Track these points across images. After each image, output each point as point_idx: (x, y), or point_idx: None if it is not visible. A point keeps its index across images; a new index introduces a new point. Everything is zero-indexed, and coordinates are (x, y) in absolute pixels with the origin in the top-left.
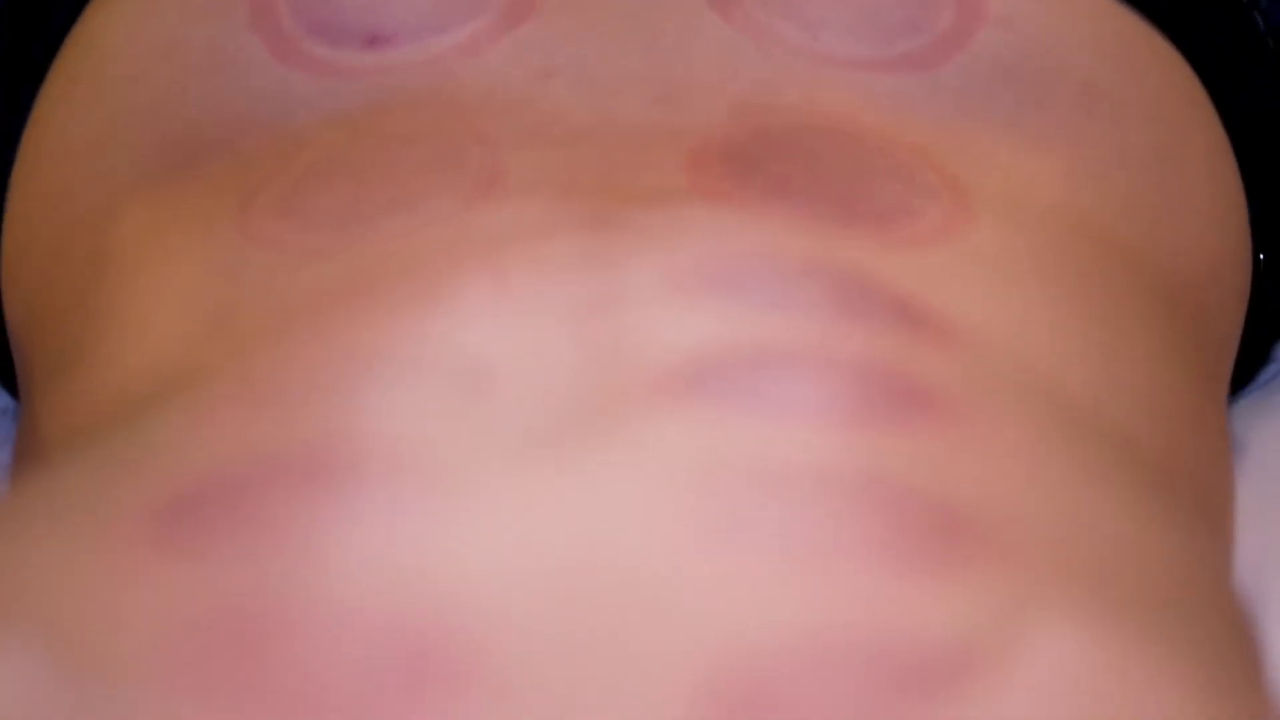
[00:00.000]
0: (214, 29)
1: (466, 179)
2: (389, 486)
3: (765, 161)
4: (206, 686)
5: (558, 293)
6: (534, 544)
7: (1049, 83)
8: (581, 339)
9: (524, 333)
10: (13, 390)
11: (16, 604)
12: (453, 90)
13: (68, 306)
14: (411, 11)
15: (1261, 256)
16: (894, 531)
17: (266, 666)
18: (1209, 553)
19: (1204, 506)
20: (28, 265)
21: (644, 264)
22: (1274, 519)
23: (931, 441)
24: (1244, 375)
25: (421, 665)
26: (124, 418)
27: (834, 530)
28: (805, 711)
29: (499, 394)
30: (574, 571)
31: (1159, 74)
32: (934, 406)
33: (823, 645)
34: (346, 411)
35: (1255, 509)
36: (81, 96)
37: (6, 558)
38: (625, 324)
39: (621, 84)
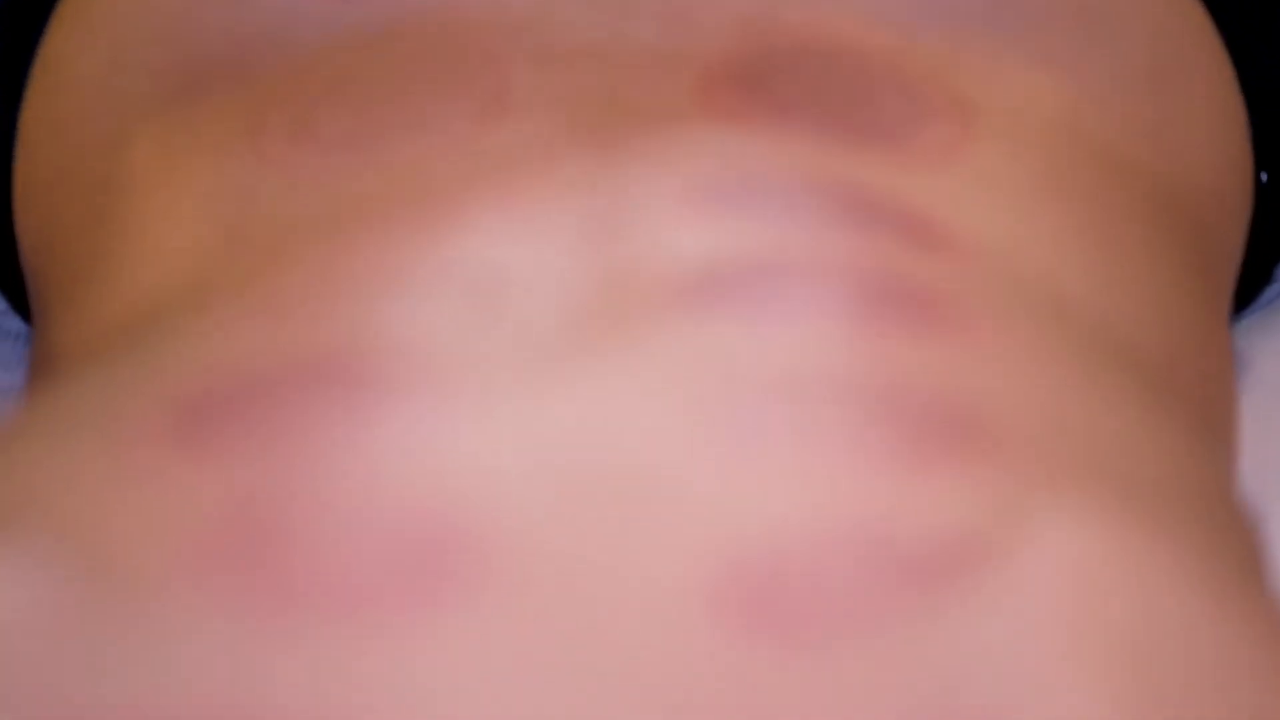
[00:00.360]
0: None
1: (477, 100)
2: (405, 389)
3: (772, 81)
4: (220, 581)
5: (568, 209)
6: (546, 445)
7: (1049, 2)
8: (591, 253)
9: (535, 247)
10: (25, 315)
11: (27, 509)
12: (463, 11)
13: (80, 229)
14: None
15: (1264, 176)
16: (900, 429)
17: (281, 560)
18: (1213, 459)
19: (1207, 417)
20: (40, 189)
21: (652, 181)
22: (1277, 433)
23: (936, 345)
24: (1247, 295)
25: (437, 559)
26: (137, 334)
27: (840, 428)
28: (815, 601)
29: (511, 305)
30: (585, 471)
31: None
32: (938, 312)
33: (831, 538)
34: (362, 319)
35: (1258, 423)
36: (93, 22)
37: (17, 465)
38: (634, 238)
39: (630, 6)
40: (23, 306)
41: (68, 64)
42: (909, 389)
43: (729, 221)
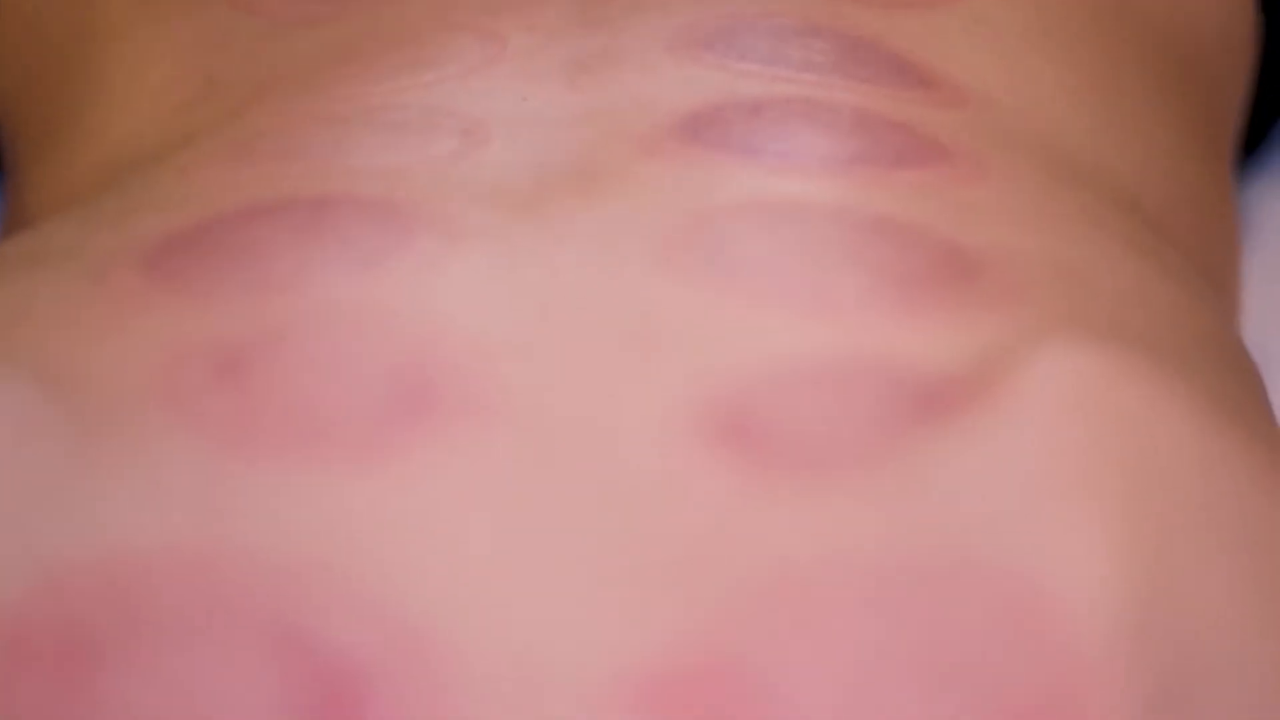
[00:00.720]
0: None
1: None
2: (384, 229)
3: None
4: (200, 413)
5: (552, 54)
6: (530, 286)
7: None
8: (576, 96)
9: (518, 92)
10: None
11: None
12: None
13: (53, 80)
14: None
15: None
16: (897, 264)
17: (263, 393)
18: (1214, 309)
19: (1207, 268)
20: (12, 42)
21: (640, 26)
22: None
23: (936, 185)
24: (1250, 142)
25: (425, 392)
26: (113, 183)
27: (833, 261)
28: (809, 433)
29: (492, 149)
30: (570, 310)
31: None
32: (937, 154)
33: (827, 369)
34: (342, 162)
35: (1264, 285)
36: None
37: None
38: (620, 82)
39: None
40: None
41: None
42: (906, 225)
43: (719, 66)
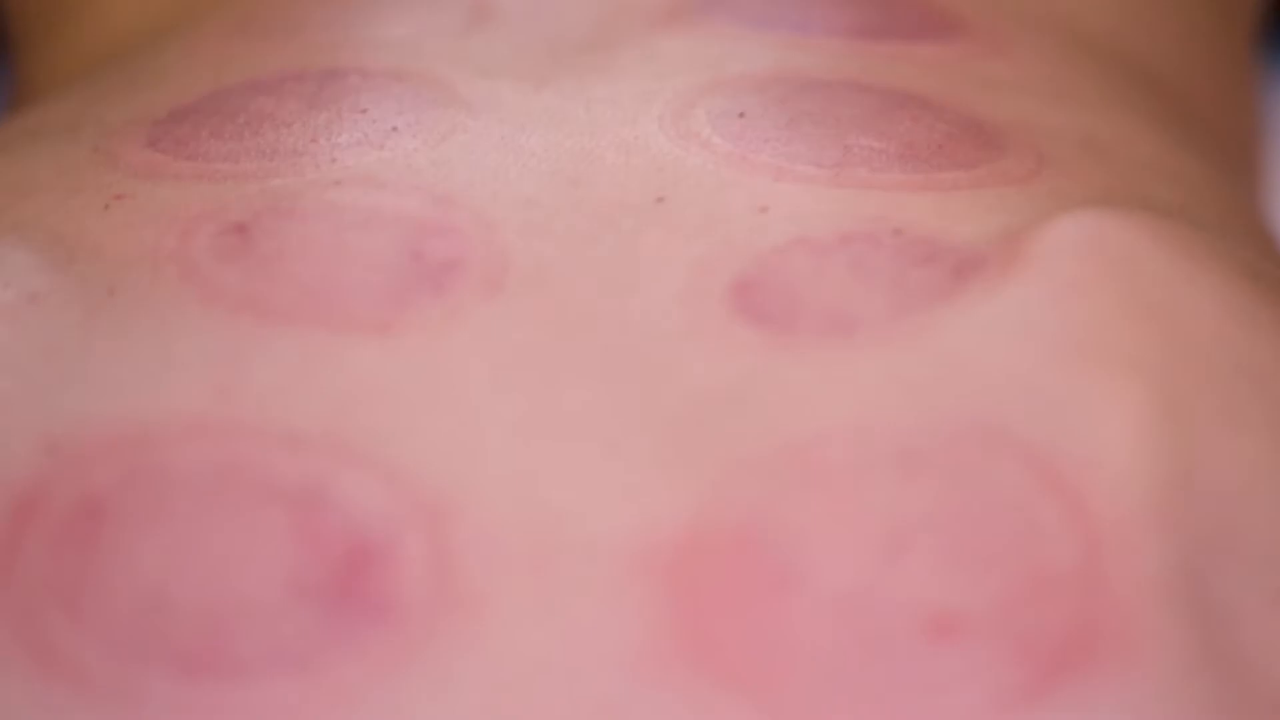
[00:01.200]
0: None
1: None
2: (394, 101)
3: None
4: (212, 282)
5: None
6: (544, 157)
7: None
8: None
9: None
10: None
11: (3, 211)
12: None
13: None
14: None
15: None
16: (917, 136)
17: (275, 263)
18: (1236, 192)
19: (1230, 148)
20: None
21: None
22: None
23: (956, 59)
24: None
25: (444, 264)
26: (119, 60)
27: (853, 134)
28: (827, 297)
29: (503, 21)
30: (586, 181)
31: None
32: (957, 28)
33: (843, 239)
34: (350, 35)
35: None
36: None
37: None
38: None
39: None
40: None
41: None
42: (927, 98)
43: None
